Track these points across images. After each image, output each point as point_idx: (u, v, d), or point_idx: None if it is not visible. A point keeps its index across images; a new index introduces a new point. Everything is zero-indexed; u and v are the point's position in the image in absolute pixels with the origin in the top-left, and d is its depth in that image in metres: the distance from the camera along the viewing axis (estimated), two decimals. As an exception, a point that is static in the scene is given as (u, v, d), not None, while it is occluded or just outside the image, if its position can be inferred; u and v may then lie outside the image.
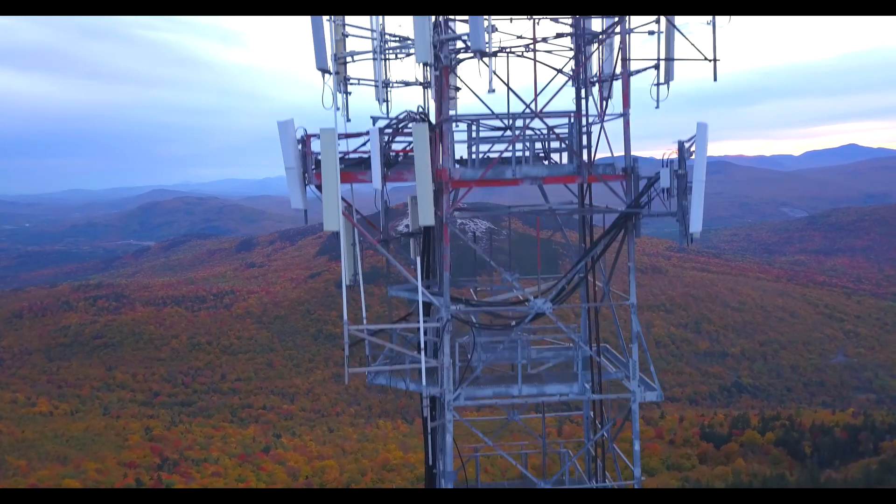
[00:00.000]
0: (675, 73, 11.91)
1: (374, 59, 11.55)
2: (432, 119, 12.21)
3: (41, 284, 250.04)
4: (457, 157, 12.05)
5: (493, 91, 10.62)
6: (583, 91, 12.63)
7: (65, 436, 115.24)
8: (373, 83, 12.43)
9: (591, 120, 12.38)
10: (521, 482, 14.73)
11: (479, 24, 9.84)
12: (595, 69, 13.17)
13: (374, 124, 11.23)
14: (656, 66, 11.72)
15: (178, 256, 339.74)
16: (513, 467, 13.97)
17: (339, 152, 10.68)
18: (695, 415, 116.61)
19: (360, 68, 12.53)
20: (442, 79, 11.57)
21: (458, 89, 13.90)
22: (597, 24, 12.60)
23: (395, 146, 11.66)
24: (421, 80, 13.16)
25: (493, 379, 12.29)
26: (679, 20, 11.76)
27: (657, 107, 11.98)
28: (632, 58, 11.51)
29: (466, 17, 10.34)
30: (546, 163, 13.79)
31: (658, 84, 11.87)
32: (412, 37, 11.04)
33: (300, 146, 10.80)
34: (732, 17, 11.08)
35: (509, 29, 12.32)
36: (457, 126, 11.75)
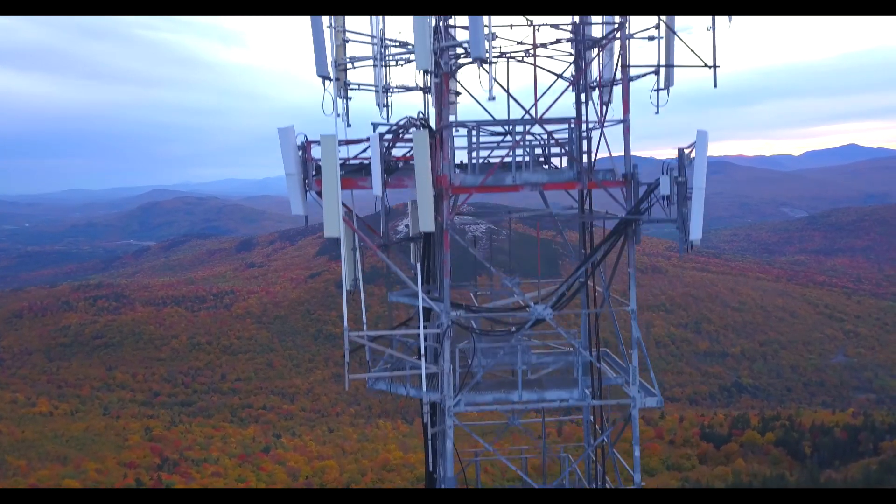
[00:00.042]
0: (676, 74, 11.93)
1: (375, 65, 11.57)
2: (432, 124, 12.22)
3: (41, 284, 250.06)
4: (457, 160, 12.07)
5: (494, 99, 10.64)
6: (583, 96, 12.65)
7: (65, 436, 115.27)
8: (373, 88, 12.45)
9: (591, 125, 12.39)
10: (521, 485, 14.75)
11: (479, 32, 9.85)
12: (595, 74, 13.18)
13: (374, 130, 11.24)
14: (656, 72, 11.74)
15: (178, 256, 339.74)
16: (513, 465, 13.96)
17: (340, 158, 10.70)
18: (695, 415, 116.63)
19: (360, 73, 12.56)
20: (442, 85, 11.60)
21: (458, 94, 13.92)
22: (597, 30, 12.62)
23: (395, 152, 11.68)
24: (421, 85, 13.17)
25: (493, 384, 12.31)
26: (679, 24, 11.78)
27: (657, 112, 12.00)
28: (632, 64, 11.52)
29: (466, 24, 10.35)
30: (546, 167, 13.82)
31: (658, 89, 11.90)
32: (412, 41, 11.06)
33: (300, 152, 10.81)
34: (732, 17, 11.11)
35: (509, 35, 12.34)
36: (457, 131, 11.77)
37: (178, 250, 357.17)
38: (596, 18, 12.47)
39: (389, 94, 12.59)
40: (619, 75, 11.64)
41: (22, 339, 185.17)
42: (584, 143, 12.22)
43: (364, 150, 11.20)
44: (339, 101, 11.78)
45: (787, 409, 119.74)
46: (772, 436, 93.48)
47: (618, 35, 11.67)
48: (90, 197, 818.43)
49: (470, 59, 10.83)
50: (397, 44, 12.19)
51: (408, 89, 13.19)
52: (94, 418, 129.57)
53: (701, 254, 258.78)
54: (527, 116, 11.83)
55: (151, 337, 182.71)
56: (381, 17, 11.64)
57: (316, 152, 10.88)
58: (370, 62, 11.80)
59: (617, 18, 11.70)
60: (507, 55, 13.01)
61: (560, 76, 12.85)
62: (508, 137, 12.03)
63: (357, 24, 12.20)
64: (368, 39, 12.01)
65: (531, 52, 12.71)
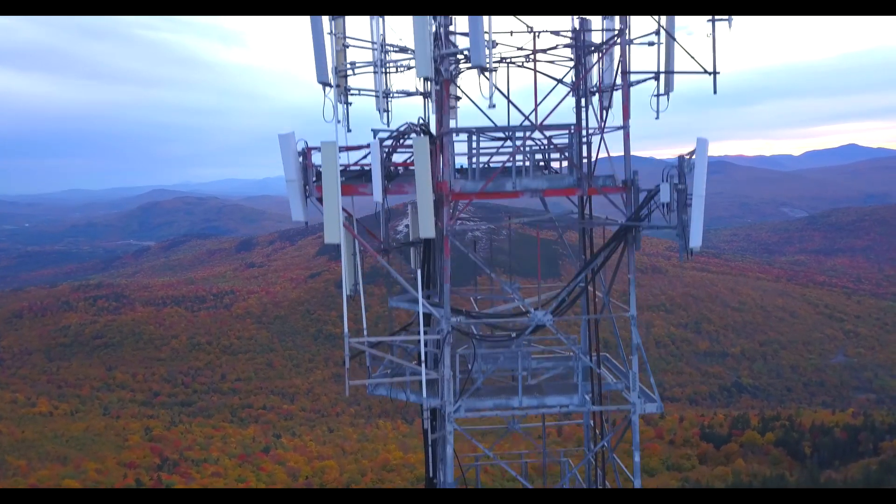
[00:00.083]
0: (676, 76, 11.93)
1: (375, 72, 11.59)
2: (433, 130, 12.24)
3: (41, 284, 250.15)
4: (457, 163, 12.08)
5: (494, 107, 10.66)
6: (583, 101, 12.66)
7: (65, 436, 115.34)
8: (373, 94, 12.47)
9: (591, 131, 12.41)
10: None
11: (479, 39, 9.87)
12: (595, 79, 13.20)
13: (374, 137, 11.26)
14: (656, 78, 11.76)
15: (178, 256, 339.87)
16: (512, 468, 14.02)
17: (340, 165, 10.72)
18: (695, 415, 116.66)
19: (360, 78, 12.58)
20: (442, 91, 11.61)
21: (458, 98, 13.93)
22: (597, 36, 12.64)
23: (395, 157, 11.70)
24: (422, 90, 13.18)
25: (493, 390, 12.33)
26: (679, 24, 11.80)
27: (657, 117, 12.02)
28: (632, 70, 11.53)
29: (466, 30, 10.35)
30: (546, 171, 13.83)
31: (658, 95, 11.91)
32: (412, 45, 11.07)
33: (301, 158, 10.83)
34: (733, 18, 11.13)
35: (509, 41, 12.35)
36: (457, 136, 11.79)
37: (178, 250, 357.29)
38: (596, 25, 12.49)
39: (390, 99, 12.60)
40: (619, 80, 11.66)
41: (22, 339, 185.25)
42: (584, 148, 12.24)
43: (364, 157, 11.22)
44: (340, 106, 11.80)
45: (787, 409, 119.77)
46: (772, 436, 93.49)
47: (618, 40, 11.69)
48: (90, 197, 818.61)
49: (470, 65, 10.84)
50: (396, 48, 12.21)
51: (408, 94, 13.20)
52: (94, 418, 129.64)
53: (701, 254, 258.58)
54: (527, 122, 11.84)
55: (151, 337, 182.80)
56: (381, 22, 11.65)
57: (316, 158, 10.90)
58: (370, 68, 11.82)
59: (617, 24, 11.71)
60: (507, 60, 13.02)
61: (560, 81, 12.86)
62: (508, 142, 12.05)
63: (357, 30, 12.24)
64: (369, 45, 12.03)
65: (531, 57, 12.73)
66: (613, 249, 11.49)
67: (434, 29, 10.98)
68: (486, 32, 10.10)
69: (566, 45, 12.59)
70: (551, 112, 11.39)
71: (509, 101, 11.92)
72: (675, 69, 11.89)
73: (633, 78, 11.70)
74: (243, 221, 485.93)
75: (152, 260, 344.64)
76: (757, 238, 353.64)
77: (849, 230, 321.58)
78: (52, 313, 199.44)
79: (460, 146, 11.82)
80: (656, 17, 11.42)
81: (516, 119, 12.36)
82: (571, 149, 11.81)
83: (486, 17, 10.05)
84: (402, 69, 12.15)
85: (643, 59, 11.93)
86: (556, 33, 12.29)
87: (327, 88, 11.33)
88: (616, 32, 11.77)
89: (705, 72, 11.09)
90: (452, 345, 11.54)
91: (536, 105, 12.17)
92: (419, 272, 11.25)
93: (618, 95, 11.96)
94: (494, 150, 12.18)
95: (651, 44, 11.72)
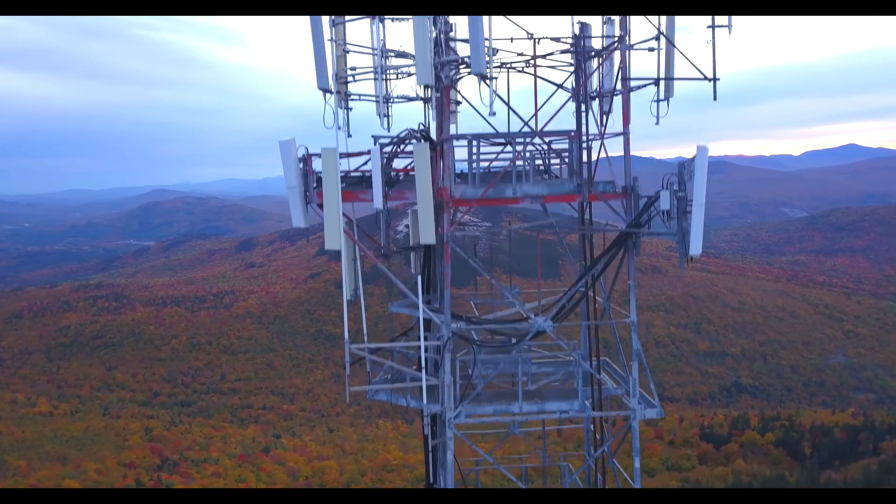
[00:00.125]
0: (676, 62, 11.94)
1: (376, 78, 11.61)
2: (433, 135, 12.25)
3: (41, 284, 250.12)
4: (457, 167, 12.10)
5: (495, 114, 10.68)
6: (583, 107, 12.68)
7: (65, 436, 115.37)
8: (374, 99, 12.49)
9: (591, 137, 12.42)
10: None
11: (479, 48, 9.88)
12: (595, 84, 13.21)
13: (375, 143, 11.27)
14: (656, 83, 11.77)
15: (178, 256, 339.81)
16: (512, 471, 14.04)
17: (341, 171, 10.73)
18: (695, 415, 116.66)
19: (360, 83, 12.60)
20: (443, 98, 11.63)
21: (458, 103, 13.95)
22: (596, 42, 12.65)
23: (395, 163, 11.71)
24: (422, 95, 13.20)
25: (493, 395, 12.35)
26: (679, 28, 11.80)
27: (657, 123, 12.03)
28: (632, 77, 11.55)
29: (467, 37, 10.36)
30: (546, 176, 13.85)
31: (658, 100, 11.93)
32: (412, 51, 11.08)
33: (301, 165, 10.84)
34: (732, 25, 11.14)
35: (510, 48, 12.37)
36: (457, 141, 11.81)
37: (178, 250, 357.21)
38: (596, 31, 12.51)
39: (390, 104, 12.62)
40: (619, 86, 11.67)
41: (22, 339, 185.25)
42: (585, 154, 12.25)
43: (365, 163, 11.23)
44: (340, 112, 11.81)
45: (787, 409, 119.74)
46: (772, 436, 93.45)
47: (618, 46, 11.71)
48: (90, 197, 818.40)
49: (470, 71, 10.84)
50: (393, 54, 12.21)
51: (409, 99, 13.22)
52: (94, 418, 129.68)
53: (701, 254, 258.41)
54: (527, 128, 11.86)
55: (151, 337, 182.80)
56: (381, 28, 11.66)
57: (317, 164, 10.91)
58: (371, 77, 11.84)
59: (617, 30, 11.72)
60: (508, 65, 13.04)
61: (560, 86, 12.88)
62: (509, 147, 12.08)
63: (358, 35, 12.25)
64: (369, 50, 12.04)
65: (531, 62, 12.74)
66: (613, 255, 11.51)
67: (434, 35, 10.99)
68: (486, 39, 10.10)
69: (566, 51, 12.61)
70: (551, 118, 11.41)
71: (510, 108, 11.93)
72: (676, 73, 11.91)
73: (633, 84, 11.72)
74: (243, 221, 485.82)
75: (152, 260, 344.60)
76: (757, 238, 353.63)
77: (849, 230, 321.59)
78: (52, 313, 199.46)
79: (461, 151, 11.85)
80: (656, 24, 11.42)
81: (517, 123, 12.38)
82: (571, 155, 11.83)
83: (486, 24, 10.06)
84: (402, 76, 12.17)
85: (644, 62, 11.94)
86: (557, 40, 12.31)
87: (328, 94, 11.34)
88: (616, 38, 11.78)
89: (705, 78, 11.10)
90: (452, 350, 11.56)
91: (537, 110, 12.19)
92: (419, 278, 11.26)
93: (618, 100, 11.98)
94: (494, 156, 12.20)
95: (651, 49, 11.73)
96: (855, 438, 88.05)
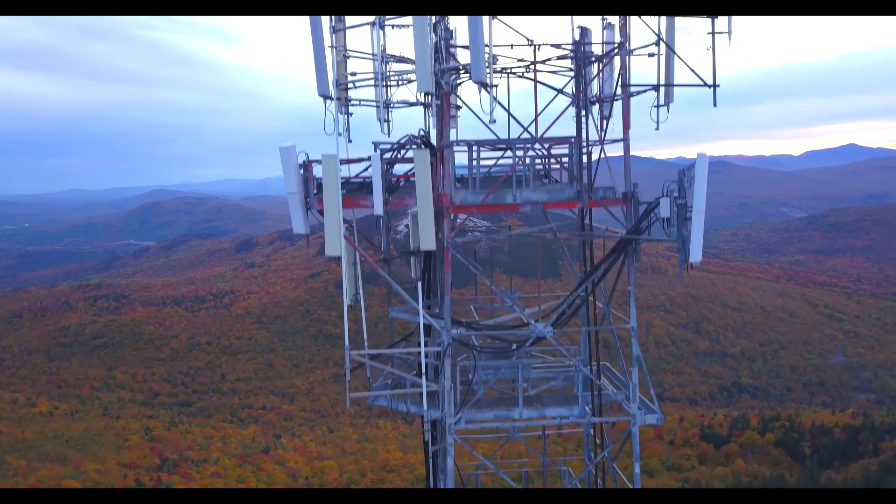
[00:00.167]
0: (676, 67, 11.96)
1: (376, 85, 11.62)
2: (433, 139, 12.26)
3: (41, 284, 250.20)
4: (458, 171, 12.11)
5: (495, 122, 10.69)
6: (583, 111, 12.69)
7: (65, 436, 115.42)
8: (374, 104, 12.49)
9: (591, 142, 12.43)
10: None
11: (480, 56, 9.89)
12: (595, 89, 13.22)
13: (375, 150, 11.28)
14: (656, 89, 11.79)
15: (178, 256, 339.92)
16: (512, 476, 14.07)
17: (342, 177, 10.75)
18: (694, 415, 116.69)
19: (361, 88, 12.60)
20: (443, 105, 11.64)
21: (458, 108, 13.96)
22: (596, 49, 12.66)
23: (396, 167, 11.72)
24: (422, 100, 13.21)
25: (493, 401, 12.37)
26: (679, 28, 11.82)
27: (657, 128, 12.05)
28: (632, 81, 11.56)
29: (467, 43, 10.37)
30: (546, 180, 13.87)
31: (658, 106, 11.94)
32: (412, 56, 11.08)
33: (302, 171, 10.86)
34: (732, 22, 11.16)
35: (510, 54, 12.37)
36: (458, 145, 11.82)
37: (178, 250, 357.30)
38: (596, 38, 12.52)
39: (390, 109, 12.63)
40: (619, 91, 11.69)
41: (22, 339, 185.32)
42: (584, 158, 12.26)
43: (365, 170, 11.24)
44: (340, 117, 11.82)
45: (787, 409, 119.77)
46: (771, 436, 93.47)
47: (618, 51, 11.72)
48: (90, 197, 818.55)
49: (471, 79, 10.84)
50: (396, 59, 12.22)
51: (409, 104, 13.22)
52: (94, 418, 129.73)
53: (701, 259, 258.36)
54: (526, 134, 11.87)
55: (151, 337, 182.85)
56: (381, 34, 11.66)
57: (317, 170, 10.92)
58: (371, 83, 11.85)
59: (617, 37, 11.73)
60: (508, 70, 13.04)
61: (560, 91, 12.89)
62: (509, 152, 12.09)
63: (358, 41, 12.26)
64: (369, 56, 12.05)
65: (531, 67, 12.75)
66: (614, 262, 11.53)
67: (434, 41, 11.00)
68: (486, 45, 10.11)
69: (566, 56, 12.62)
70: (552, 125, 11.42)
71: (510, 115, 11.96)
72: (676, 76, 11.93)
73: (633, 90, 11.73)
74: (243, 221, 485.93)
75: (152, 260, 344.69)
76: (757, 238, 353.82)
77: (849, 230, 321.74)
78: (52, 313, 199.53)
79: (461, 155, 11.87)
80: (656, 30, 11.43)
81: (517, 128, 12.40)
82: (572, 161, 11.85)
83: (486, 31, 10.07)
84: (402, 83, 12.18)
85: (644, 65, 11.94)
86: (558, 46, 12.33)
87: (328, 101, 11.35)
88: (616, 45, 11.79)
89: (705, 84, 11.12)
90: (452, 355, 11.57)
91: (537, 115, 12.20)
92: (419, 284, 11.27)
93: (618, 105, 11.99)
94: (494, 162, 12.21)
95: (651, 55, 11.74)
96: (855, 438, 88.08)
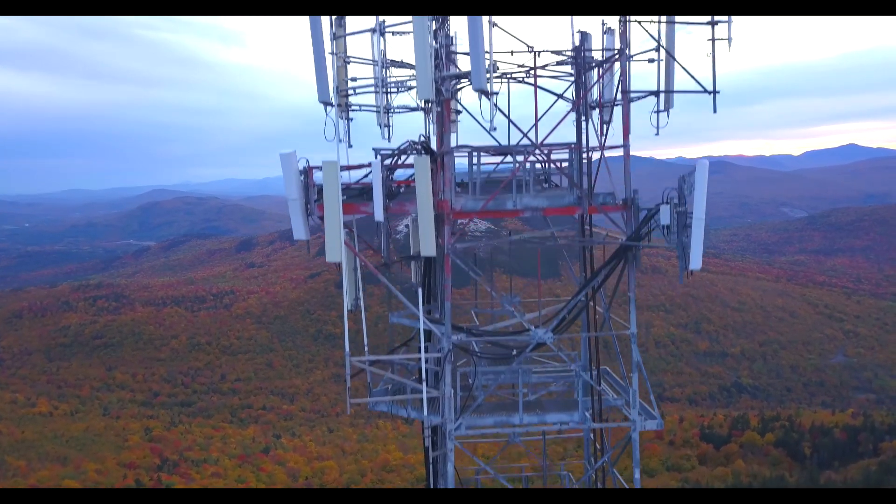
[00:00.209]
0: (676, 71, 11.97)
1: (377, 91, 11.63)
2: (433, 145, 12.28)
3: (41, 284, 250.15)
4: (457, 174, 12.11)
5: (496, 129, 10.70)
6: (583, 117, 12.70)
7: (65, 436, 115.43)
8: (374, 109, 12.51)
9: (591, 148, 12.45)
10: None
11: (480, 64, 9.90)
12: (595, 95, 13.24)
13: (376, 156, 11.30)
14: (656, 95, 11.80)
15: (177, 256, 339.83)
16: (512, 480, 14.12)
17: (342, 183, 10.76)
18: (694, 415, 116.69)
19: (361, 93, 12.62)
20: (443, 112, 11.65)
21: (459, 112, 13.97)
22: (597, 53, 12.67)
23: (396, 173, 11.74)
24: (423, 105, 13.23)
25: (493, 407, 12.38)
26: (679, 28, 11.82)
27: (657, 133, 12.06)
28: (632, 85, 11.58)
29: (468, 50, 10.38)
30: (546, 186, 13.88)
31: (658, 111, 11.95)
32: (412, 61, 11.09)
33: (302, 177, 10.87)
34: (732, 24, 11.16)
35: (510, 60, 12.39)
36: (458, 151, 11.84)
37: (178, 250, 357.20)
38: (596, 45, 12.53)
39: (391, 114, 12.65)
40: (619, 97, 11.70)
41: (22, 339, 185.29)
42: (585, 164, 12.27)
43: (366, 176, 11.26)
44: (341, 123, 11.83)
45: (787, 409, 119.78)
46: (771, 436, 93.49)
47: (617, 57, 11.73)
48: (90, 197, 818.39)
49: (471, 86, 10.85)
50: (396, 63, 12.23)
51: (410, 110, 13.25)
52: (94, 418, 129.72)
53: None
54: (526, 140, 11.89)
55: (151, 337, 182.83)
56: (382, 40, 11.67)
57: (317, 176, 10.94)
58: (372, 90, 11.86)
59: (617, 43, 11.74)
60: (508, 76, 13.06)
61: (560, 96, 12.91)
62: (509, 158, 12.11)
63: (358, 48, 12.27)
64: (369, 62, 12.06)
65: (531, 72, 12.77)
66: (614, 268, 11.54)
67: (434, 47, 11.00)
68: (486, 52, 10.12)
69: (566, 62, 12.63)
70: (552, 131, 11.44)
71: (510, 121, 11.96)
72: (676, 79, 11.93)
73: (633, 95, 11.75)
74: (243, 221, 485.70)
75: (152, 260, 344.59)
76: (757, 238, 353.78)
77: (849, 230, 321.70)
78: (52, 313, 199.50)
79: (461, 158, 11.88)
80: (656, 36, 11.44)
81: (517, 134, 12.41)
82: (572, 167, 11.87)
83: (486, 38, 10.08)
84: (402, 89, 12.20)
85: (644, 67, 11.95)
86: (558, 53, 12.34)
87: (328, 107, 11.36)
88: (616, 50, 11.81)
89: (705, 91, 11.13)
90: (452, 361, 11.58)
91: (537, 121, 12.22)
92: (420, 290, 11.28)
93: (618, 111, 12.01)
94: (494, 167, 12.24)
95: (651, 61, 11.75)
96: (855, 439, 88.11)
